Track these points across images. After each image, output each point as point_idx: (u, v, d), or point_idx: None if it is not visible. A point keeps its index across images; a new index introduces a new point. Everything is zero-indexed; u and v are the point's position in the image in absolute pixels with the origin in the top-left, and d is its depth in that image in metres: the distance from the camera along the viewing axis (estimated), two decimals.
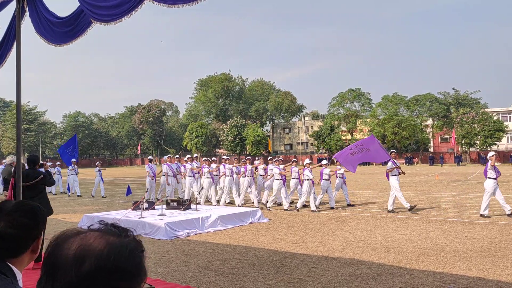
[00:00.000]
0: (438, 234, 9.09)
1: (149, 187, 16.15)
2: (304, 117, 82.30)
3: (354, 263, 6.73)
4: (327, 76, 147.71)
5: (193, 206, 11.65)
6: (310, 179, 13.07)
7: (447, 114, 61.82)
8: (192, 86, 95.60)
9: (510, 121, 63.56)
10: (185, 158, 16.61)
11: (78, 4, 4.11)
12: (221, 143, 72.95)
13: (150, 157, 18.30)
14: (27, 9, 4.66)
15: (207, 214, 10.50)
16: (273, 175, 14.27)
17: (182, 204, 11.62)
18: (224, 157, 16.35)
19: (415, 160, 60.55)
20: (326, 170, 13.82)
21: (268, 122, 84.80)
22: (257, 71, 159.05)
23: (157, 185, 17.58)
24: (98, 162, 22.02)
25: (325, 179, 13.68)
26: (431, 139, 67.21)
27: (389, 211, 12.35)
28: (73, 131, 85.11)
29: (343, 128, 67.93)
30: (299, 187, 13.80)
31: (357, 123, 66.70)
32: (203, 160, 16.09)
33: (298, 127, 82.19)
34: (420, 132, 62.04)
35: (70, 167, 20.04)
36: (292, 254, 7.46)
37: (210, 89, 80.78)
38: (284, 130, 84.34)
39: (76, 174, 20.31)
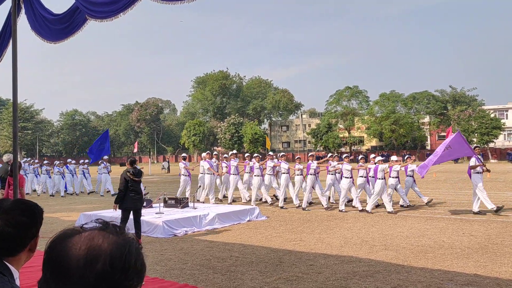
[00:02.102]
0: (435, 232, 9.11)
1: (183, 185, 15.40)
2: (301, 115, 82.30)
3: (352, 261, 6.74)
4: (325, 74, 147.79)
5: (190, 204, 11.65)
6: (383, 178, 12.18)
7: (444, 111, 61.93)
8: (190, 84, 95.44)
9: (506, 118, 63.73)
10: (229, 155, 15.72)
11: (74, 1, 4.09)
12: (218, 141, 72.90)
13: (184, 154, 17.24)
14: (23, 6, 4.64)
15: (205, 212, 10.49)
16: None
17: (180, 202, 11.61)
18: (271, 153, 15.77)
19: (413, 157, 60.68)
20: (396, 167, 12.84)
21: (265, 120, 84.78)
22: (254, 69, 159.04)
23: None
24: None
25: (393, 177, 12.82)
26: (428, 136, 67.35)
27: (474, 213, 11.31)
28: (70, 129, 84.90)
29: (341, 126, 67.93)
30: (366, 185, 12.95)
31: (355, 121, 66.72)
32: (255, 157, 15.22)
33: (296, 125, 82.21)
34: (417, 130, 62.15)
35: (102, 165, 19.04)
36: (290, 252, 7.46)
37: (208, 87, 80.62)
38: (281, 128, 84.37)
39: (108, 172, 19.33)
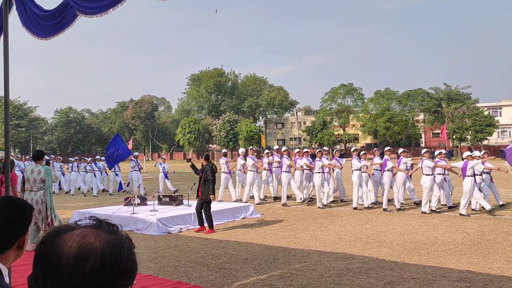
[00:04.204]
0: (429, 228, 9.16)
1: (225, 183, 14.55)
2: (296, 112, 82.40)
3: (346, 258, 6.76)
4: (320, 71, 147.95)
5: (185, 201, 11.63)
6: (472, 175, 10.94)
7: (439, 109, 62.19)
8: (184, 81, 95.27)
9: (500, 116, 64.08)
10: (283, 150, 14.59)
11: None
12: (213, 138, 72.82)
13: (224, 150, 15.92)
14: (14, 2, 4.60)
15: None
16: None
17: (175, 199, 11.59)
18: (327, 148, 14.79)
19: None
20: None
21: (260, 117, 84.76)
22: (249, 67, 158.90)
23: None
24: (162, 156, 19.46)
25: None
26: (423, 134, 67.61)
27: None
28: (64, 126, 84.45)
29: (336, 123, 68.10)
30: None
31: (349, 118, 66.90)
32: (305, 152, 14.47)
33: (291, 122, 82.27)
34: (411, 127, 62.37)
35: (132, 163, 17.84)
36: (284, 249, 7.47)
37: (203, 85, 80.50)
38: (276, 126, 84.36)
39: (139, 170, 17.98)
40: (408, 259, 6.60)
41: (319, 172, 12.89)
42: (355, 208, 12.21)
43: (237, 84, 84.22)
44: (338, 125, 68.07)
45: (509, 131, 65.63)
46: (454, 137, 57.86)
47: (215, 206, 11.25)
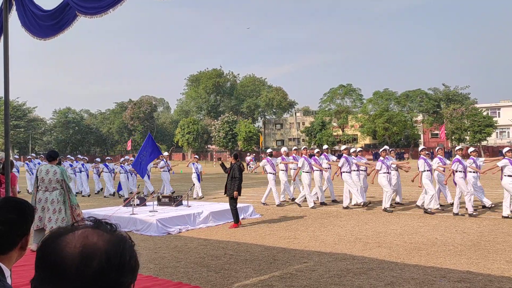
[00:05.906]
0: (428, 229, 9.16)
1: (273, 184, 13.82)
2: (295, 113, 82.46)
3: (346, 258, 6.76)
4: (319, 72, 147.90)
5: (184, 202, 11.63)
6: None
7: (437, 109, 62.28)
8: (183, 82, 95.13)
9: (499, 116, 64.23)
10: (343, 149, 14.03)
11: None
12: (212, 139, 72.83)
13: (269, 150, 15.06)
14: (14, 3, 4.59)
15: (199, 210, 10.48)
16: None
17: (174, 200, 11.58)
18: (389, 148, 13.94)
19: (406, 155, 60.93)
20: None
21: (259, 118, 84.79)
22: (248, 67, 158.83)
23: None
24: (194, 156, 18.84)
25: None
26: (422, 134, 67.70)
27: None
28: (63, 127, 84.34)
29: (334, 124, 68.17)
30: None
31: (348, 119, 66.99)
32: (359, 151, 13.78)
33: (290, 123, 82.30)
34: (410, 128, 62.46)
35: (162, 163, 17.35)
36: (284, 250, 7.47)
37: (201, 85, 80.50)
38: (275, 126, 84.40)
39: (169, 171, 17.62)
40: (408, 260, 6.60)
41: (385, 173, 12.05)
42: (426, 212, 11.27)
43: (235, 84, 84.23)
44: (337, 125, 68.15)
45: (508, 132, 65.80)
46: (453, 137, 57.96)
47: (215, 207, 11.27)
